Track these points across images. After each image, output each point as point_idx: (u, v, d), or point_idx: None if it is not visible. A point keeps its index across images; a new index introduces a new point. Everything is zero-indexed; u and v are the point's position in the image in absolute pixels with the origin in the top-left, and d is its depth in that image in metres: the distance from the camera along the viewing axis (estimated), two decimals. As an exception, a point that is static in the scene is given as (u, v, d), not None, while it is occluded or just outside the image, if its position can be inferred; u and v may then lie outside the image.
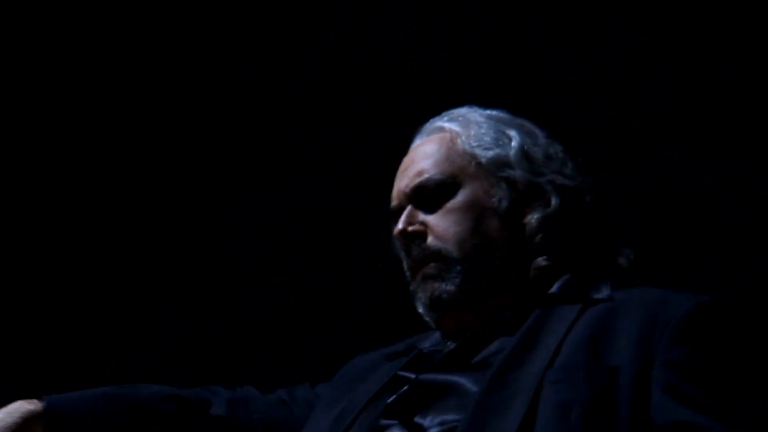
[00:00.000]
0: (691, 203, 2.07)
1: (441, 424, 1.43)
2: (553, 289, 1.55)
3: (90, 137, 2.35)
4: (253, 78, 2.34)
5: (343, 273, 2.27)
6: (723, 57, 2.03)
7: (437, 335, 1.60)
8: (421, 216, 1.59)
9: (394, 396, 1.49)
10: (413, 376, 1.50)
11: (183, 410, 1.65)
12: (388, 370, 1.57)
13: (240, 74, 2.34)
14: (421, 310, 1.59)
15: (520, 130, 1.63)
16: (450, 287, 1.55)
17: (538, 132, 1.64)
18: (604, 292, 1.52)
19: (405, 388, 1.49)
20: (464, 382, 1.46)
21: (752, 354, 1.46)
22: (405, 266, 1.61)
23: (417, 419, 1.45)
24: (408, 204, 1.61)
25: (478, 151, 1.60)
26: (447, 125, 1.65)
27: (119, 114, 2.34)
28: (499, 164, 1.59)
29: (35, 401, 1.59)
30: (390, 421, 1.46)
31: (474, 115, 1.66)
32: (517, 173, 1.59)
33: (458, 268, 1.55)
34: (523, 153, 1.60)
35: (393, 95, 2.25)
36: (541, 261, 1.58)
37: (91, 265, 2.34)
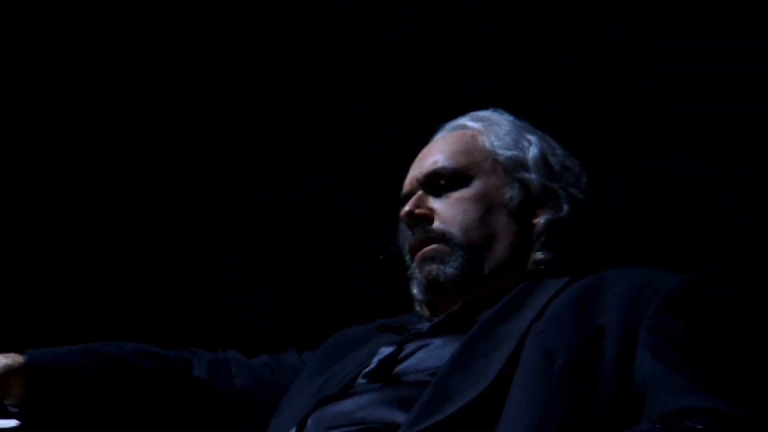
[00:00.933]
0: (691, 203, 2.07)
1: (422, 371, 1.44)
2: (541, 267, 1.60)
3: (89, 137, 2.35)
4: (253, 78, 2.34)
5: (343, 273, 2.27)
6: (723, 57, 2.03)
7: (426, 323, 1.60)
8: (431, 202, 1.63)
9: (377, 360, 1.50)
10: (395, 347, 1.51)
11: (163, 369, 1.66)
12: (377, 343, 1.58)
13: (240, 74, 2.34)
14: (416, 291, 1.63)
15: (541, 138, 1.67)
16: (449, 270, 1.58)
17: (556, 145, 1.68)
18: (591, 273, 1.53)
19: (389, 351, 1.50)
20: (448, 340, 1.48)
21: (733, 338, 1.50)
22: (406, 248, 1.65)
23: (398, 376, 1.46)
24: (419, 189, 1.64)
25: (497, 150, 1.65)
26: (470, 123, 1.70)
27: (119, 114, 2.35)
28: (516, 165, 1.64)
29: (15, 355, 1.58)
30: (374, 384, 1.47)
31: (497, 117, 1.71)
32: (533, 176, 1.63)
33: (460, 252, 1.58)
34: (542, 159, 1.64)
35: (393, 95, 2.25)
36: (539, 255, 1.60)
37: (90, 265, 2.34)
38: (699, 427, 1.29)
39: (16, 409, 1.57)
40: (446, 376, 1.38)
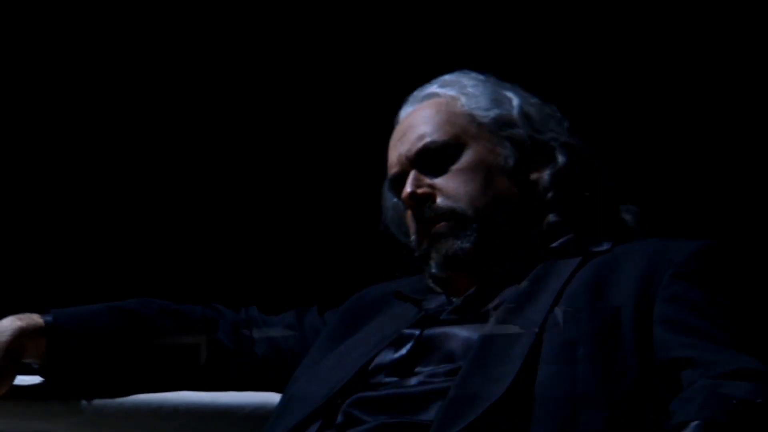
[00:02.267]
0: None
1: (443, 371, 1.43)
2: (555, 244, 1.56)
3: (89, 137, 2.36)
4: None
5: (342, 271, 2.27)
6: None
7: (442, 297, 1.59)
8: (428, 179, 1.58)
9: (398, 354, 1.49)
10: (417, 332, 1.50)
11: (186, 330, 1.65)
12: (395, 317, 1.57)
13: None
14: (434, 270, 1.58)
15: (515, 92, 1.63)
16: (466, 244, 1.54)
17: (529, 94, 1.64)
18: (605, 246, 1.53)
19: (410, 344, 1.49)
20: (467, 332, 1.46)
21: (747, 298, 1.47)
22: (412, 231, 1.60)
23: (419, 369, 1.45)
24: (411, 168, 1.59)
25: (478, 112, 1.60)
26: (441, 90, 1.64)
27: (119, 114, 2.36)
28: (501, 123, 1.60)
29: (36, 316, 1.59)
30: (393, 378, 1.46)
31: (466, 78, 1.65)
32: (521, 132, 1.59)
33: (474, 225, 1.55)
34: (523, 111, 1.60)
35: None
36: (552, 218, 1.58)
37: (90, 265, 2.34)
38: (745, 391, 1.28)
39: (37, 365, 1.59)
40: (467, 376, 1.37)
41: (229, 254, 2.34)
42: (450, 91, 1.63)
